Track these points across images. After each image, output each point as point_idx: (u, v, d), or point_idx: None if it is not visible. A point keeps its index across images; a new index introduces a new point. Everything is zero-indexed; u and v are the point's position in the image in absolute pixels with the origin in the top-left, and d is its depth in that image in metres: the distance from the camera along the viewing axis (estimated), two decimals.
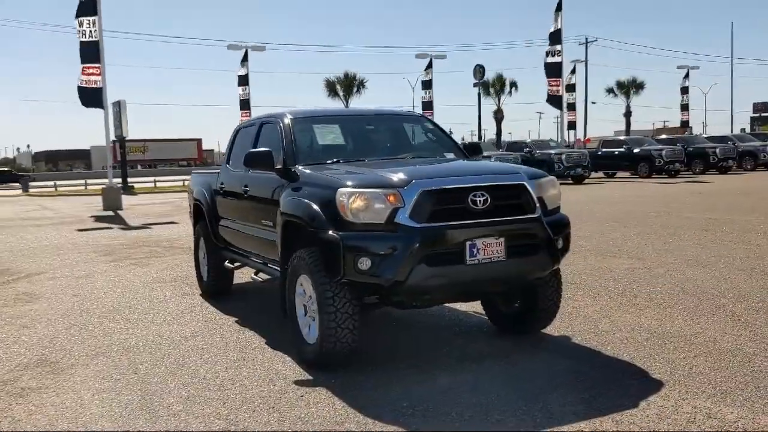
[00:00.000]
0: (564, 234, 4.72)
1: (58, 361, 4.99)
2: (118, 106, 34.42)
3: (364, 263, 4.11)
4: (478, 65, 49.04)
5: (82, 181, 44.63)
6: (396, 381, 4.24)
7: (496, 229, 4.29)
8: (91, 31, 21.45)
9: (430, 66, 44.21)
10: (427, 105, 44.80)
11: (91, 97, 21.61)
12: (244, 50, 39.36)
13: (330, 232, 4.22)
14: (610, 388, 4.01)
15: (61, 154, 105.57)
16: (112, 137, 33.30)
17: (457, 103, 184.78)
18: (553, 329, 5.27)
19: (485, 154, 24.84)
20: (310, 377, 4.39)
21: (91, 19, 21.34)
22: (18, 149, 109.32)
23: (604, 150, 30.13)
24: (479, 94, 50.35)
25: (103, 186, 23.26)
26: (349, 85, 48.67)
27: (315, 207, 4.40)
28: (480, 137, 50.03)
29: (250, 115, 39.50)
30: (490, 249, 4.26)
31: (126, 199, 24.13)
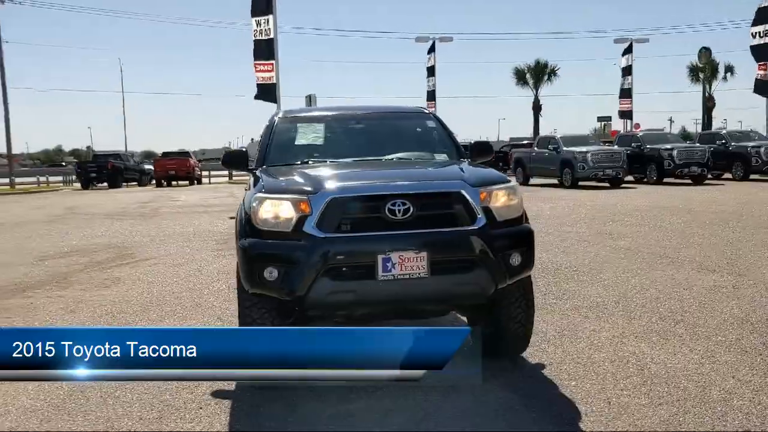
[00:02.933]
0: (521, 249, 4.14)
1: None
2: (309, 100, 36.36)
3: (272, 274, 3.90)
4: (703, 48, 45.27)
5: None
6: (305, 402, 3.97)
7: (415, 242, 3.86)
8: (265, 29, 22.80)
9: (629, 51, 41.46)
10: (626, 92, 42.19)
11: (266, 92, 23.02)
12: (431, 41, 39.65)
13: (242, 240, 4.08)
14: None
15: None
16: None
17: (663, 89, 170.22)
18: (535, 355, 4.68)
19: (666, 146, 22.81)
20: (233, 388, 4.27)
21: (266, 18, 22.68)
22: (252, 139, 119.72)
23: None
24: (704, 81, 46.45)
25: None
26: (539, 73, 47.04)
27: (243, 212, 4.27)
28: (704, 126, 46.17)
29: (435, 107, 39.83)
30: (408, 264, 3.84)
31: None
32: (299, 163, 4.95)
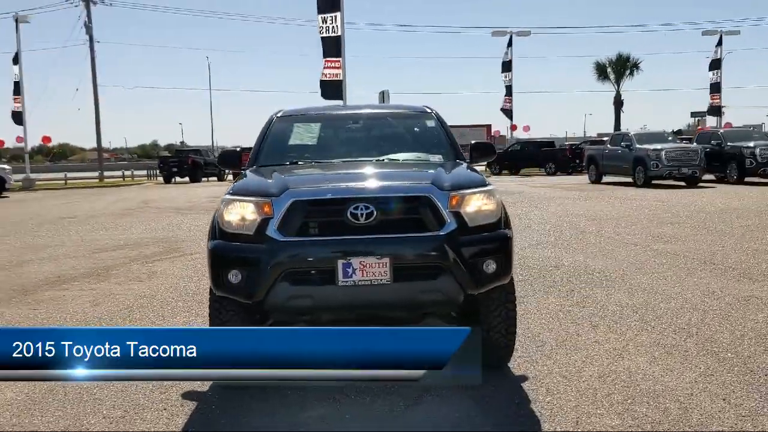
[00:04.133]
0: (496, 256, 3.94)
1: None
2: (382, 96, 36.50)
3: (236, 277, 3.88)
4: None
5: None
6: (265, 405, 3.94)
7: (378, 247, 3.74)
8: (332, 27, 22.95)
9: (719, 43, 39.55)
10: (715, 87, 40.31)
11: (332, 89, 23.16)
12: (508, 36, 38.96)
13: (210, 241, 4.07)
14: None
15: None
16: None
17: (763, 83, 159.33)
18: (523, 366, 4.49)
19: (749, 144, 21.65)
20: (206, 389, 4.27)
21: (333, 15, 22.82)
22: None
23: None
24: None
25: None
26: (621, 67, 45.26)
27: (215, 213, 4.25)
28: None
29: (512, 102, 39.17)
30: (370, 270, 3.73)
31: None
32: (288, 164, 4.91)
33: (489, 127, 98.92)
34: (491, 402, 3.91)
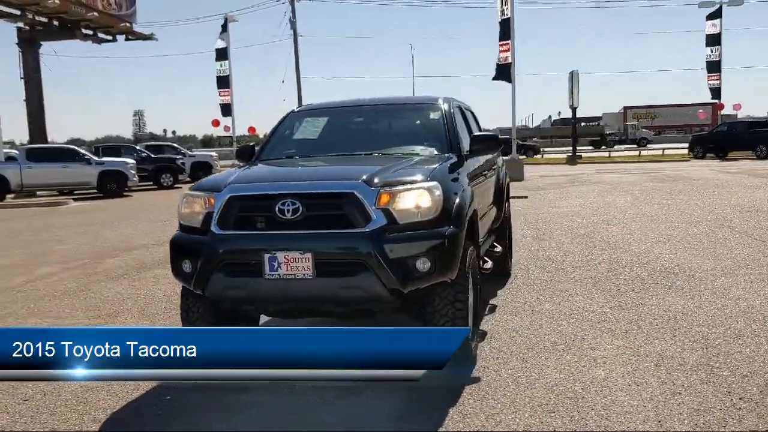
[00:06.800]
0: (430, 254, 3.87)
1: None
2: (571, 76, 35.33)
3: (186, 266, 4.20)
4: None
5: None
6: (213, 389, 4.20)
7: (300, 243, 3.85)
8: (504, 9, 22.60)
9: None
10: None
11: (502, 72, 22.84)
12: (717, 6, 35.52)
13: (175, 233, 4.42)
14: None
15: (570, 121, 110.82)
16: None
17: None
18: (489, 368, 4.31)
19: None
20: None
21: None
22: (549, 117, 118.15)
23: None
24: None
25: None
26: None
27: None
28: None
29: (720, 79, 36.02)
30: (294, 264, 3.86)
31: (553, 169, 25.41)
32: (284, 158, 5.14)
33: (715, 105, 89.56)
34: (422, 401, 3.83)
